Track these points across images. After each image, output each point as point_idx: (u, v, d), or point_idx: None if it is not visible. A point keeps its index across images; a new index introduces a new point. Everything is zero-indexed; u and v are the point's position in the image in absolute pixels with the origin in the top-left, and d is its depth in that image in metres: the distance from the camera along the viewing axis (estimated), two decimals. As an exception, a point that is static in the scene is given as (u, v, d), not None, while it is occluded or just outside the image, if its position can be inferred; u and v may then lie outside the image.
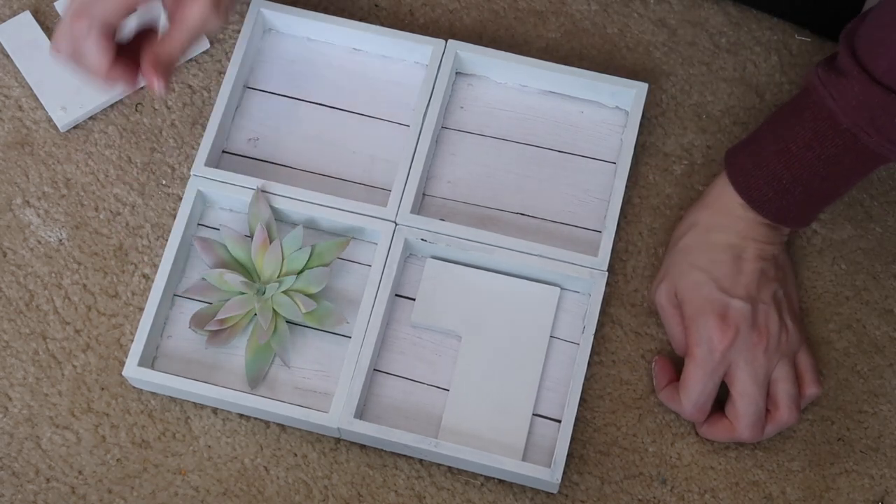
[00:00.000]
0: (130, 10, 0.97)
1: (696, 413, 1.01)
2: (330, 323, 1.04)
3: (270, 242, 1.05)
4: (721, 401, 1.03)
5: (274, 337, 1.04)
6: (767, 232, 1.02)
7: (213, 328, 1.04)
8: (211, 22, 0.98)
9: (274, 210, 1.07)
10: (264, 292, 1.04)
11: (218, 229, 1.09)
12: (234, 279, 1.04)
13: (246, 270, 1.06)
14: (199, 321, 1.05)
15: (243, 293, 1.04)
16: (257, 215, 1.06)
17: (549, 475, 0.99)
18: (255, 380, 1.04)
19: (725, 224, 1.02)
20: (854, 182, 0.99)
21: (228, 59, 1.15)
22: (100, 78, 0.98)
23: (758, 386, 0.99)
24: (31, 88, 1.14)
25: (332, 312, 1.04)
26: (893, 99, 0.90)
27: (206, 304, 1.06)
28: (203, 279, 1.06)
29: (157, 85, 0.98)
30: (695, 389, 1.00)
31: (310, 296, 1.04)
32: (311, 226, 1.08)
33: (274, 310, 1.04)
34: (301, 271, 1.05)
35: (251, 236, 1.06)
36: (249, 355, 1.04)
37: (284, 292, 1.04)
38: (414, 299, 1.07)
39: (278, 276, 1.05)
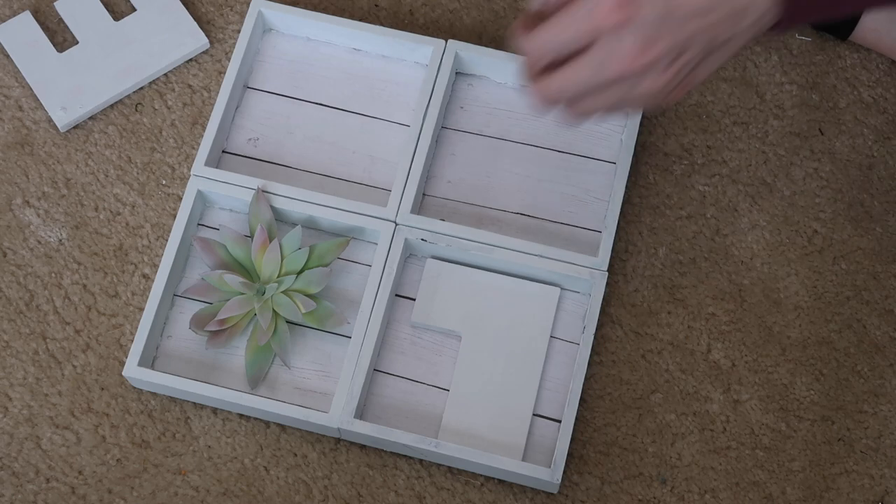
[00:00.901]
0: None
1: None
2: (330, 323, 1.04)
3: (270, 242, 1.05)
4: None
5: (274, 337, 1.04)
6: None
7: (213, 328, 1.04)
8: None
9: (274, 210, 1.07)
10: (264, 292, 1.04)
11: (218, 229, 1.09)
12: (233, 280, 1.04)
13: (245, 271, 1.06)
14: (198, 322, 1.05)
15: (243, 293, 1.04)
16: (258, 215, 1.06)
17: (549, 475, 0.99)
18: (255, 380, 1.04)
19: None
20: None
21: (228, 59, 1.15)
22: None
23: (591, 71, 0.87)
24: (31, 88, 1.14)
25: (333, 313, 1.04)
26: None
27: (206, 305, 1.06)
28: (203, 279, 1.06)
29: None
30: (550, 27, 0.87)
31: (310, 296, 1.04)
32: (311, 226, 1.08)
33: (274, 310, 1.04)
34: (301, 271, 1.05)
35: (251, 236, 1.06)
36: (249, 356, 1.04)
37: (284, 292, 1.04)
38: (414, 299, 1.07)
39: (278, 277, 1.05)
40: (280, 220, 1.08)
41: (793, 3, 0.87)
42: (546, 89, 0.89)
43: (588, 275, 1.05)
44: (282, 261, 1.05)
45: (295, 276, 1.05)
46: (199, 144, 1.12)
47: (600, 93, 0.88)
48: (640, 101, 0.88)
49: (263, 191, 1.07)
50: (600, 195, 1.10)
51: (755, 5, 0.86)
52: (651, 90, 0.87)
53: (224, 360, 1.05)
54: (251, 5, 1.13)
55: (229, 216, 1.10)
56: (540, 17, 0.89)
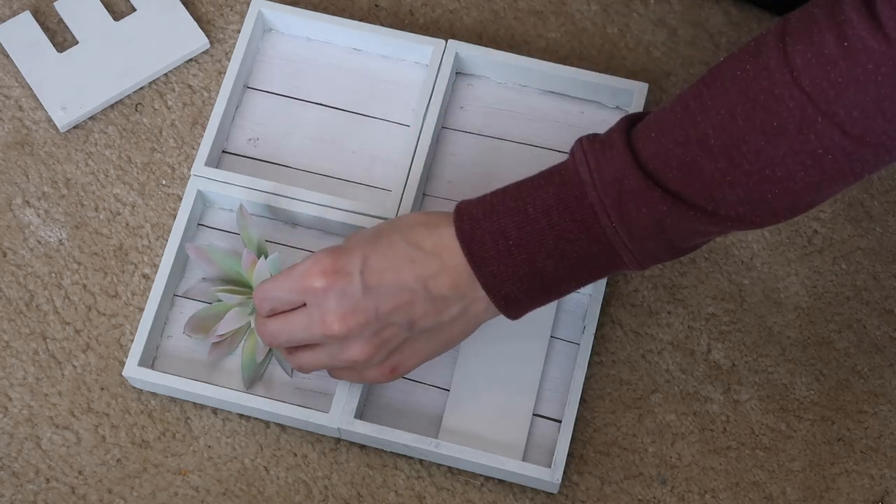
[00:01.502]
0: None
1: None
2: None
3: (260, 257, 1.03)
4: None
5: (274, 350, 1.03)
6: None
7: (214, 341, 1.04)
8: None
9: (273, 210, 1.07)
10: None
11: (217, 230, 1.08)
12: (228, 298, 1.03)
13: (242, 276, 1.05)
14: (193, 327, 1.04)
15: (239, 306, 1.04)
16: (246, 231, 1.04)
17: (549, 475, 0.99)
18: (251, 380, 1.04)
19: (437, 265, 0.91)
20: (575, 281, 0.90)
21: (228, 59, 1.15)
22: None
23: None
24: (31, 88, 1.14)
25: None
26: (649, 186, 0.84)
27: (205, 305, 1.06)
28: (203, 280, 1.06)
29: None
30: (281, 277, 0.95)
31: None
32: (311, 226, 1.08)
33: None
34: None
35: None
36: (245, 358, 1.04)
37: None
38: (414, 299, 1.07)
39: None
40: (280, 220, 1.08)
41: (508, 303, 0.92)
42: (263, 327, 0.97)
43: (588, 275, 1.05)
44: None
45: None
46: (199, 144, 1.12)
47: (311, 349, 0.95)
48: (350, 366, 0.94)
49: (270, 192, 1.06)
50: (600, 195, 1.10)
51: (459, 298, 0.91)
52: (357, 357, 0.93)
53: (224, 360, 1.05)
54: (251, 5, 1.13)
55: (229, 216, 1.10)
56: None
